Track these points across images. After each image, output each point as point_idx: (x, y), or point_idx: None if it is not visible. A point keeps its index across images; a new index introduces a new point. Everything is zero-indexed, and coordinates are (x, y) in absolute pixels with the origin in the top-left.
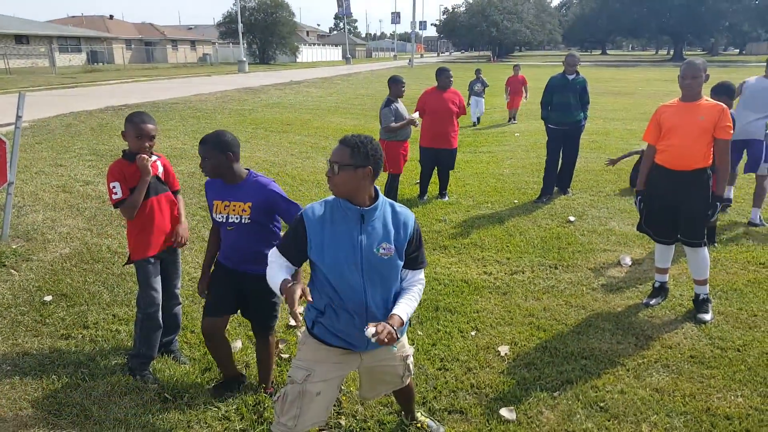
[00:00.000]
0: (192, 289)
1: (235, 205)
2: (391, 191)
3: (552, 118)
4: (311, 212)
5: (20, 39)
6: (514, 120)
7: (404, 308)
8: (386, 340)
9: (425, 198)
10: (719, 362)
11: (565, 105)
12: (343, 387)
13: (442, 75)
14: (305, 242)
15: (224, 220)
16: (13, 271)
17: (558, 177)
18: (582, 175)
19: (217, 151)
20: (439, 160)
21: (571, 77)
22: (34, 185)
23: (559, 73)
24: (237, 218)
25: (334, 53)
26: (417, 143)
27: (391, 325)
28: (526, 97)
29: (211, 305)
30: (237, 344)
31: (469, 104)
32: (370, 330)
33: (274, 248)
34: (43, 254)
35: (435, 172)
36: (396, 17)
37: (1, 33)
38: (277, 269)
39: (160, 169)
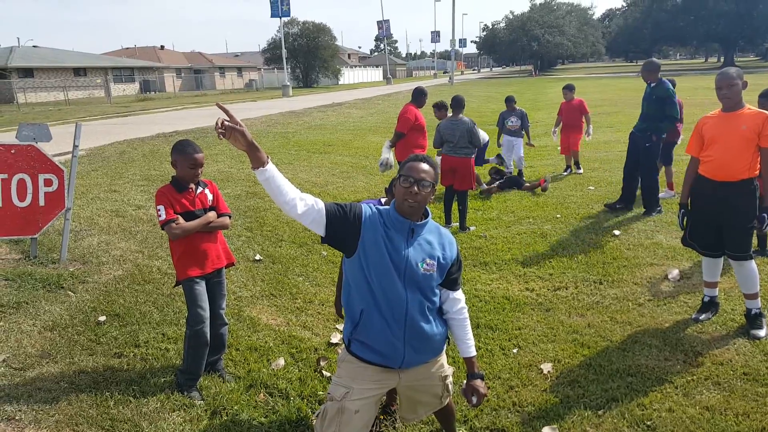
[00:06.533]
0: (237, 308)
1: None
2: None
3: (635, 125)
4: (369, 210)
5: (78, 71)
6: (578, 169)
7: (472, 345)
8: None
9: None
10: None
11: (642, 114)
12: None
13: (423, 96)
14: (358, 230)
15: None
16: (70, 292)
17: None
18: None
19: None
20: None
21: (651, 86)
22: (90, 210)
23: None
24: None
25: (376, 74)
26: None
27: (477, 388)
28: (588, 133)
29: None
30: (280, 362)
31: (500, 145)
32: (474, 401)
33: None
34: (98, 276)
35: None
36: (436, 36)
37: (61, 66)
38: (294, 190)
39: (210, 197)
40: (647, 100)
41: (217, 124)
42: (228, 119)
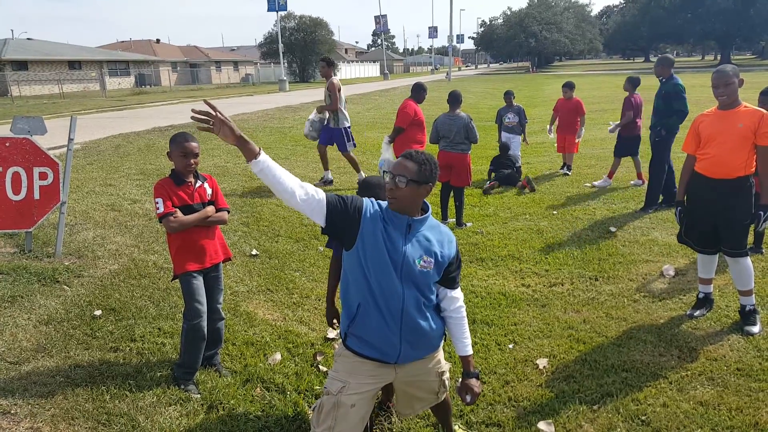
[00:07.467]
0: (233, 303)
1: None
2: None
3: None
4: (370, 205)
5: (73, 64)
6: (568, 170)
7: (469, 344)
8: (479, 391)
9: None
10: None
11: (653, 110)
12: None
13: (422, 91)
14: (357, 223)
15: None
16: (65, 286)
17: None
18: (623, 184)
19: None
20: None
21: (662, 81)
22: (85, 204)
23: None
24: None
25: (373, 69)
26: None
27: (471, 387)
28: (579, 134)
29: None
30: (276, 357)
31: (499, 142)
32: (468, 400)
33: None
34: (94, 270)
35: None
36: (433, 32)
37: (56, 59)
38: (292, 179)
39: (209, 192)
40: (657, 95)
41: (194, 110)
42: (218, 114)
